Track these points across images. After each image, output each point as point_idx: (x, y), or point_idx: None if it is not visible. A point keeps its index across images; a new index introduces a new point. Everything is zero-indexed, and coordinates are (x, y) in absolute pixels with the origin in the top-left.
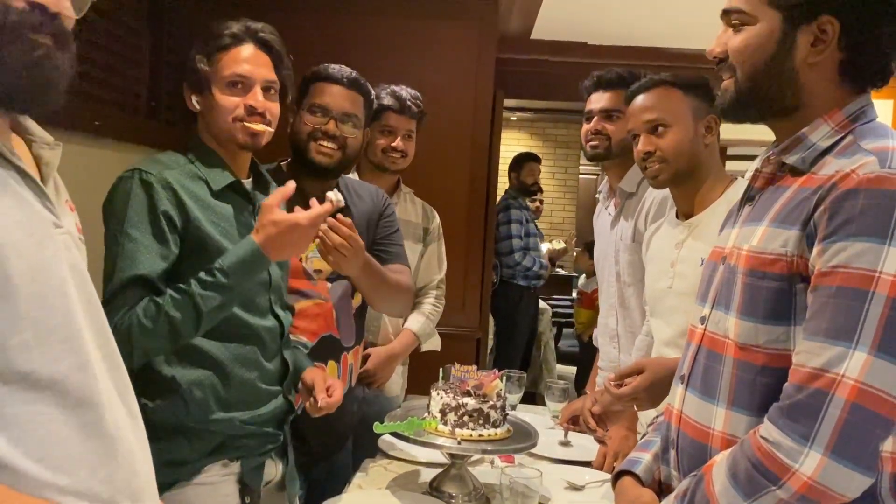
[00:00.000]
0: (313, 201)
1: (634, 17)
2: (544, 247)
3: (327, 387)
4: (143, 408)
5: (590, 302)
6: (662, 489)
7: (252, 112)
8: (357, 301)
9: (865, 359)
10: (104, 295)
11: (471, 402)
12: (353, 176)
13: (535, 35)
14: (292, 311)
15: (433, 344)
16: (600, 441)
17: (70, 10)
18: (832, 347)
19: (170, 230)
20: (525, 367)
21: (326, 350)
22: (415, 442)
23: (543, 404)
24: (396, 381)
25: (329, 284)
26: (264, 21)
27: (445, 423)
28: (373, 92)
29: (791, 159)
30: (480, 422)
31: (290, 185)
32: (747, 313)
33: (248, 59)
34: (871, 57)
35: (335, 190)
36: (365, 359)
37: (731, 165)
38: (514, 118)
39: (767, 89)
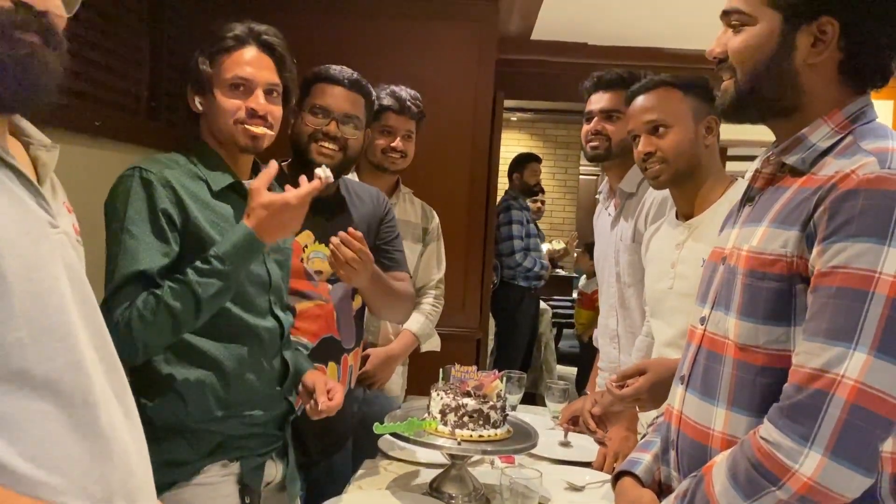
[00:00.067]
0: (302, 178)
1: (634, 18)
2: (544, 247)
3: (328, 390)
4: (142, 407)
5: (590, 303)
6: (662, 490)
7: (253, 115)
8: (357, 303)
9: (865, 359)
10: (106, 292)
11: (471, 403)
12: (353, 176)
13: (535, 36)
14: (293, 311)
15: (433, 344)
16: (600, 442)
17: (60, 8)
18: (832, 348)
19: (170, 228)
20: (526, 368)
21: (327, 351)
22: (415, 442)
23: (543, 405)
24: (396, 382)
25: (330, 286)
26: (264, 22)
27: (445, 424)
28: (374, 93)
29: (791, 160)
30: (480, 422)
31: (273, 165)
32: (747, 314)
33: (250, 62)
34: (871, 57)
35: (323, 166)
36: (364, 360)
37: (731, 166)
38: (515, 119)
39: (767, 90)
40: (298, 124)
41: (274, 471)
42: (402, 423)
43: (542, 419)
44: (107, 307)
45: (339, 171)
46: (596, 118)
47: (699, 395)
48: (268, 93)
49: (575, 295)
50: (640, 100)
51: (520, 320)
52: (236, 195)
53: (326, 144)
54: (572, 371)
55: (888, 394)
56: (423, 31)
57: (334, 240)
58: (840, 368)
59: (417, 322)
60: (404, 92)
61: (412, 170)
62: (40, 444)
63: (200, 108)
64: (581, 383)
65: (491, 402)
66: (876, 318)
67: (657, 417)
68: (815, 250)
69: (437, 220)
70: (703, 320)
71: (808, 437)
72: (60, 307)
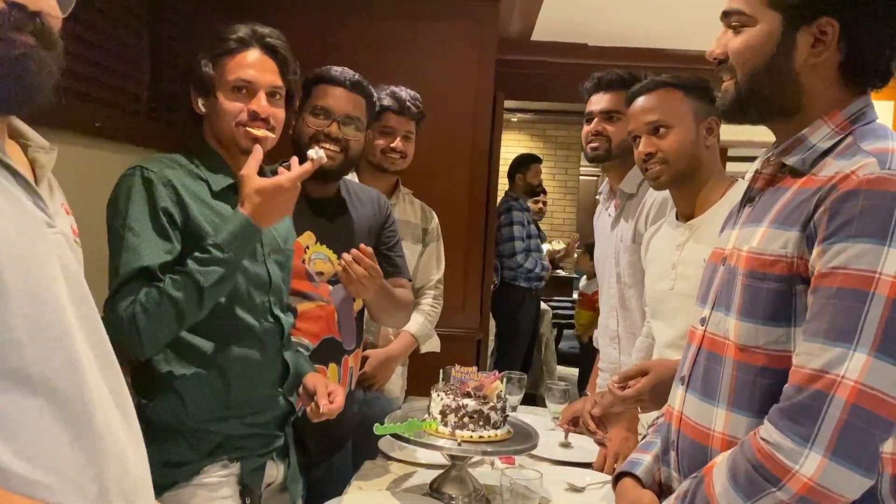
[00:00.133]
0: (293, 160)
1: (635, 19)
2: (545, 248)
3: (329, 392)
4: (142, 408)
5: (590, 303)
6: (663, 490)
7: (255, 117)
8: (358, 305)
9: (865, 360)
10: (110, 289)
11: (471, 404)
12: (353, 177)
13: (535, 36)
14: (294, 312)
15: (432, 345)
16: (600, 443)
17: (55, 8)
18: (832, 349)
19: (171, 227)
20: (526, 368)
21: (328, 352)
22: (415, 443)
23: (544, 406)
24: (396, 383)
25: (331, 287)
26: (264, 22)
27: (446, 425)
28: (375, 94)
29: (791, 160)
30: (481, 423)
31: (258, 150)
32: (747, 314)
33: (253, 65)
34: (871, 58)
35: (316, 148)
36: (363, 360)
37: (731, 167)
38: (515, 119)
39: (767, 90)
40: (300, 125)
41: (274, 471)
42: (403, 423)
43: (542, 420)
44: (111, 304)
45: (340, 172)
46: (596, 119)
47: (699, 396)
48: (270, 95)
49: (575, 296)
50: (641, 100)
51: (520, 321)
52: (236, 195)
53: (327, 146)
54: (573, 372)
55: (888, 394)
56: (423, 32)
57: (346, 256)
58: (840, 369)
59: (416, 322)
60: (404, 92)
61: (412, 170)
62: (35, 443)
63: (203, 109)
64: (583, 384)
65: (491, 403)
66: (876, 318)
67: (657, 418)
68: (815, 251)
69: (436, 220)
70: (703, 321)
71: (809, 438)
72: (57, 307)
